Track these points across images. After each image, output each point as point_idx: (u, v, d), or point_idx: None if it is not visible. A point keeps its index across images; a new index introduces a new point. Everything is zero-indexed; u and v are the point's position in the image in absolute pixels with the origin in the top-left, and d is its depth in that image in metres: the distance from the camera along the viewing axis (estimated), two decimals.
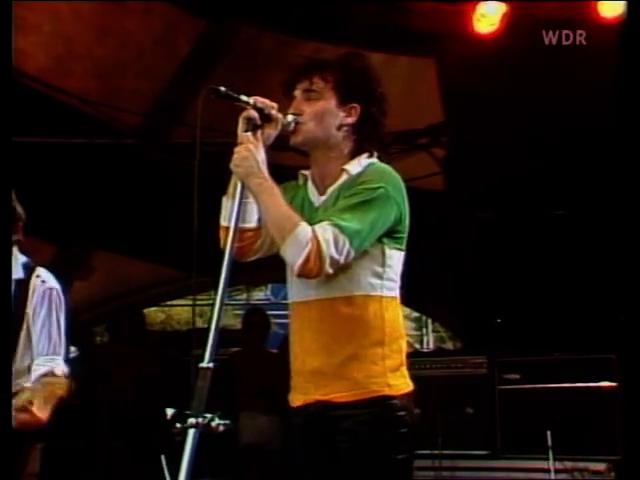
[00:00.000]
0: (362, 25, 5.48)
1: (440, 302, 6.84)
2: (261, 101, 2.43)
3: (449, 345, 11.76)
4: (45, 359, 3.29)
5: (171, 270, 7.52)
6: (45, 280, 3.37)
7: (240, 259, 2.55)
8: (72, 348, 7.71)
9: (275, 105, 2.45)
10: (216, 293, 2.23)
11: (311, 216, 2.47)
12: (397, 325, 2.51)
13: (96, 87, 5.64)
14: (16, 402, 3.19)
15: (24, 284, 3.35)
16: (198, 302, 12.05)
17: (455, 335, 9.76)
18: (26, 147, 5.23)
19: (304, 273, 2.37)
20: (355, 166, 2.52)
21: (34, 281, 3.35)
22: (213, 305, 2.24)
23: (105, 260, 7.02)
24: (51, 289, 3.35)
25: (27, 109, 5.16)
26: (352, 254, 2.38)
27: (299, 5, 5.52)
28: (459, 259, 6.11)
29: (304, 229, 2.35)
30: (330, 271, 2.37)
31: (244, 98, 2.40)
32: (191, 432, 2.10)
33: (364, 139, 2.55)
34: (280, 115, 2.45)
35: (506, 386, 5.11)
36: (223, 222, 2.50)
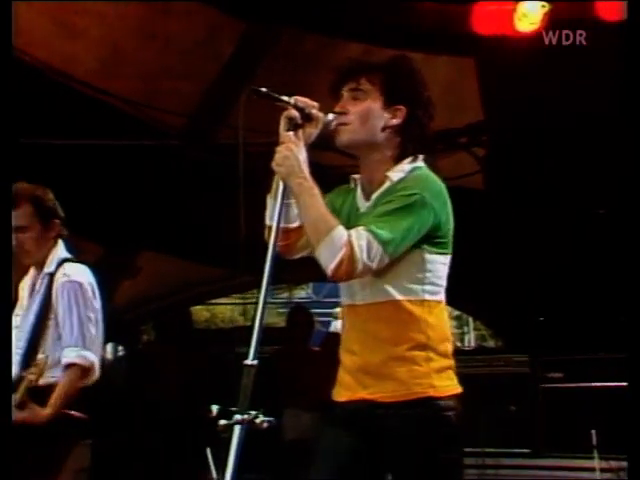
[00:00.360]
0: (403, 26, 5.49)
1: (482, 301, 6.80)
2: (302, 101, 2.42)
3: (490, 343, 11.69)
4: (69, 350, 3.39)
5: (215, 269, 7.58)
6: (68, 274, 3.47)
7: (285, 257, 2.58)
8: (119, 347, 7.83)
9: (316, 104, 2.45)
10: (259, 291, 2.25)
11: (356, 222, 2.48)
12: (442, 329, 2.53)
13: (141, 89, 5.72)
14: (14, 398, 3.26)
15: (50, 277, 3.47)
16: (243, 301, 12.19)
17: (497, 333, 9.70)
18: (75, 149, 5.34)
19: (335, 276, 2.39)
20: (397, 173, 2.52)
21: (58, 274, 3.47)
22: (257, 303, 2.26)
23: (151, 260, 7.10)
24: (72, 282, 3.44)
25: (75, 112, 5.28)
26: (385, 260, 2.38)
27: (340, 6, 5.54)
28: (500, 258, 6.08)
29: (339, 233, 2.36)
30: (361, 277, 2.40)
31: (285, 98, 2.41)
32: (237, 429, 2.11)
33: (409, 142, 2.54)
34: (321, 114, 2.45)
35: (549, 384, 5.07)
36: (267, 221, 2.51)
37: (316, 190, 2.41)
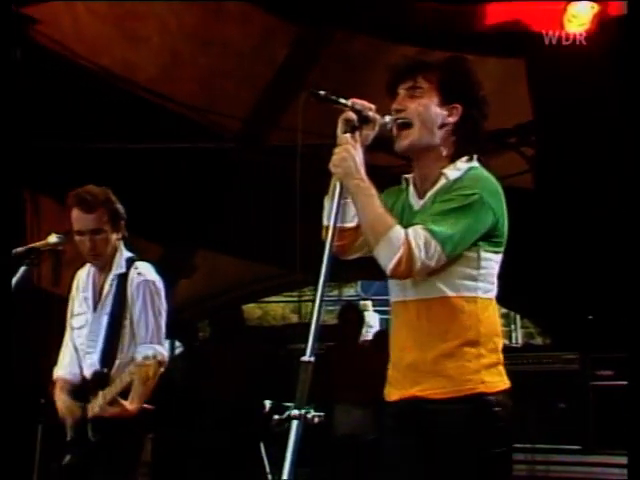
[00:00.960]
0: (452, 28, 5.51)
1: (531, 299, 6.78)
2: (359, 103, 2.42)
3: (538, 341, 11.59)
4: (145, 347, 3.45)
5: (269, 267, 7.66)
6: (142, 272, 3.54)
7: (341, 257, 2.59)
8: (177, 344, 7.94)
9: (373, 107, 2.46)
10: (316, 290, 2.27)
11: (410, 220, 2.48)
12: (493, 326, 2.52)
13: (199, 94, 5.83)
14: (106, 395, 3.37)
15: (124, 277, 3.55)
16: (294, 299, 12.26)
17: (545, 331, 9.62)
18: (135, 153, 5.48)
19: (395, 275, 2.41)
20: (453, 171, 2.52)
21: (132, 274, 3.54)
22: (314, 301, 2.28)
23: (207, 259, 7.21)
24: (147, 281, 3.52)
25: (137, 117, 5.41)
26: (443, 259, 2.39)
27: (392, 9, 5.57)
28: (550, 256, 6.06)
29: (397, 232, 2.36)
30: (420, 275, 2.41)
31: (342, 101, 2.42)
32: (294, 424, 2.14)
33: (464, 141, 2.54)
34: (378, 116, 2.46)
35: (599, 382, 5.04)
36: (325, 221, 2.52)
37: (373, 190, 2.41)
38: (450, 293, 2.47)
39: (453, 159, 2.54)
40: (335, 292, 13.92)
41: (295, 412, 2.14)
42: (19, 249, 3.46)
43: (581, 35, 5.15)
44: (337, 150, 2.40)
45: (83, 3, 5.13)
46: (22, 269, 3.42)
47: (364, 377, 6.35)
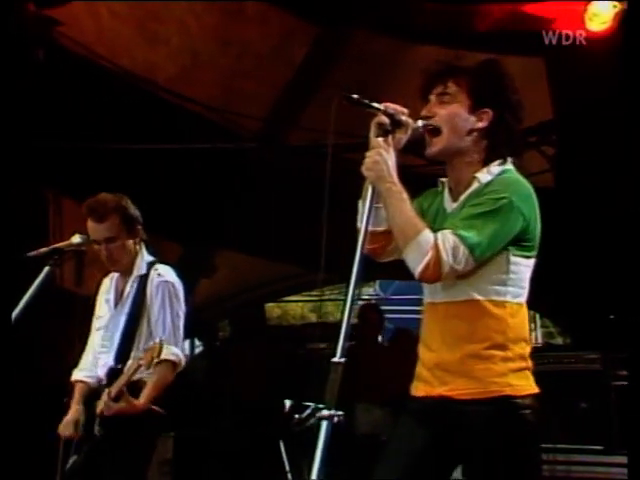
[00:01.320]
0: (473, 26, 5.48)
1: (552, 299, 6.74)
2: (392, 107, 2.44)
3: (558, 340, 11.53)
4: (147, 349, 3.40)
5: (288, 267, 7.67)
6: (161, 274, 3.58)
7: (377, 259, 2.61)
8: (197, 343, 7.96)
9: (406, 110, 2.47)
10: (347, 291, 2.28)
11: (442, 222, 2.50)
12: (522, 330, 2.51)
13: (218, 94, 5.84)
14: (111, 391, 3.37)
15: (144, 278, 3.58)
16: (313, 298, 12.25)
17: (565, 331, 9.57)
18: (155, 153, 5.49)
19: (423, 279, 2.42)
20: (486, 175, 2.51)
21: (152, 275, 3.58)
22: (344, 302, 2.29)
23: (227, 258, 7.23)
24: (166, 282, 3.55)
25: (157, 117, 5.42)
26: (471, 264, 2.39)
27: (410, 9, 5.56)
28: (571, 256, 6.02)
29: (426, 236, 2.37)
30: (448, 279, 2.42)
31: (375, 105, 2.43)
32: (324, 424, 2.15)
33: (496, 145, 2.53)
34: (410, 120, 2.46)
35: (621, 382, 5.00)
36: (358, 224, 2.51)
37: (404, 194, 2.42)
38: (479, 297, 2.47)
39: (486, 163, 2.54)
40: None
41: (325, 412, 2.15)
42: (43, 249, 3.49)
43: (602, 34, 5.12)
44: (369, 154, 2.42)
45: (105, 5, 5.15)
46: (46, 269, 3.44)
47: (384, 376, 6.35)
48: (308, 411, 7.03)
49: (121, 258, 3.61)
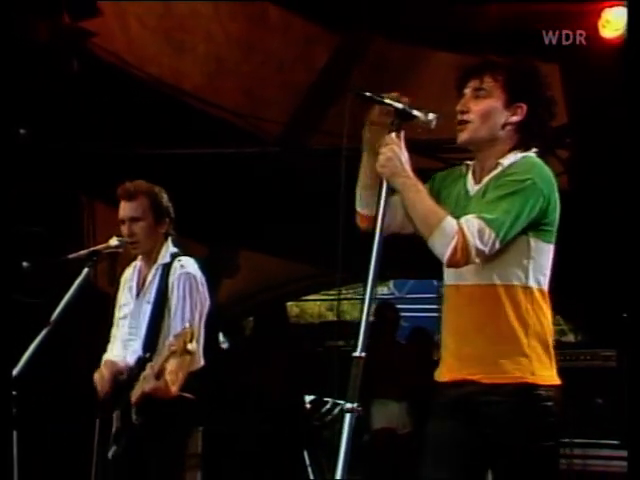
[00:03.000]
0: (487, 31, 5.52)
1: (566, 296, 6.78)
2: (404, 101, 2.42)
3: (570, 338, 11.53)
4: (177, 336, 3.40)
5: (307, 267, 7.73)
6: (184, 265, 3.57)
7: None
8: (221, 338, 8.01)
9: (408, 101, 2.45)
10: (365, 287, 2.30)
11: (465, 204, 2.53)
12: (543, 317, 2.52)
13: (243, 100, 5.91)
14: (154, 367, 3.34)
15: (167, 268, 3.58)
16: (330, 297, 12.32)
17: (578, 328, 9.58)
18: (183, 158, 5.57)
19: (452, 264, 2.43)
20: (508, 159, 2.54)
21: (175, 265, 3.57)
22: (363, 298, 2.31)
23: (249, 259, 7.30)
24: (188, 273, 3.54)
25: (185, 123, 5.50)
26: (497, 245, 2.40)
27: (427, 15, 5.60)
28: (586, 256, 6.06)
29: (450, 222, 2.38)
30: (476, 261, 2.41)
31: (387, 100, 2.40)
32: (347, 416, 2.18)
33: (527, 138, 2.56)
34: (421, 114, 2.42)
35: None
36: (358, 208, 2.60)
37: (420, 186, 2.44)
38: (499, 281, 2.48)
39: (510, 151, 2.57)
40: None
41: (348, 405, 2.18)
42: (82, 252, 3.56)
43: (615, 40, 5.14)
44: (383, 150, 2.42)
45: (134, 16, 5.24)
46: (85, 271, 3.52)
47: (400, 372, 6.42)
48: (328, 406, 7.13)
49: (141, 240, 3.58)
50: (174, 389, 3.38)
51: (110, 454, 3.47)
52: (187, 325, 3.35)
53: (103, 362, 3.66)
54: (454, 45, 5.48)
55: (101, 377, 3.56)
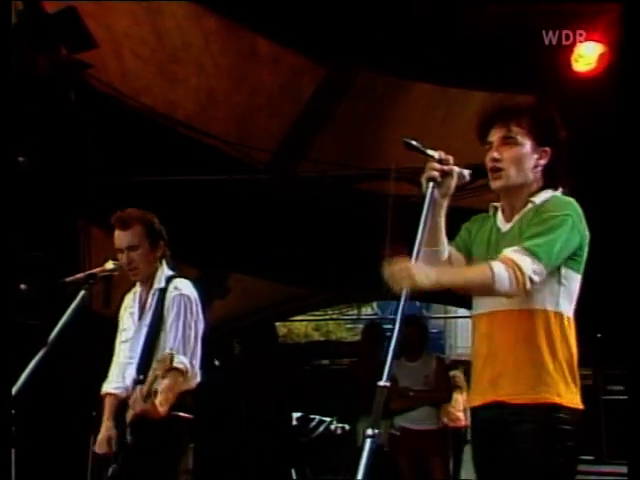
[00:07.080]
0: (472, 65, 5.59)
1: None
2: (445, 157, 2.52)
3: None
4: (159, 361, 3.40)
5: (295, 289, 7.76)
6: (178, 287, 3.61)
7: None
8: (215, 361, 7.99)
9: (451, 158, 2.54)
10: (395, 318, 2.31)
11: (498, 241, 2.63)
12: (570, 342, 2.58)
13: (233, 129, 5.97)
14: (143, 390, 3.36)
15: (163, 291, 3.62)
16: (316, 317, 12.34)
17: None
18: (175, 185, 5.62)
19: (515, 293, 2.48)
20: (540, 197, 2.63)
21: (170, 288, 3.61)
22: (392, 330, 2.32)
23: (239, 281, 7.33)
24: (182, 295, 3.58)
25: (178, 152, 5.56)
26: (544, 274, 2.48)
27: (411, 48, 5.67)
28: None
29: (496, 266, 2.45)
30: (529, 287, 2.46)
31: (430, 152, 2.52)
32: (368, 442, 2.20)
33: (552, 179, 2.65)
34: (457, 168, 2.53)
35: (611, 397, 5.09)
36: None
37: (449, 268, 2.56)
38: (536, 306, 2.55)
39: (540, 191, 2.66)
40: (354, 311, 14.01)
41: (369, 432, 2.21)
42: (79, 275, 3.58)
43: (587, 74, 5.23)
44: (397, 269, 2.35)
45: (128, 48, 5.29)
46: (81, 293, 3.53)
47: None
48: (314, 423, 7.13)
49: (141, 267, 3.62)
50: (163, 410, 3.39)
51: (109, 473, 3.48)
52: (167, 351, 3.38)
53: (103, 392, 3.68)
54: (436, 77, 5.57)
55: (105, 429, 3.58)
